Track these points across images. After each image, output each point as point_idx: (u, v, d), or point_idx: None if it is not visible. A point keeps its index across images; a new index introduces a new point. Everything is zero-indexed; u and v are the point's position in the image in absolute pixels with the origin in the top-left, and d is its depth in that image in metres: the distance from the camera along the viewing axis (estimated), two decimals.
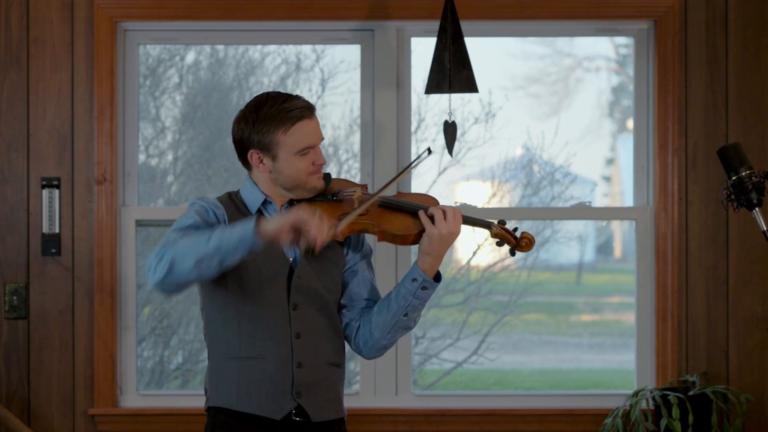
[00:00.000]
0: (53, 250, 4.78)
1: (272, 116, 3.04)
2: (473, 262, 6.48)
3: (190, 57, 5.82)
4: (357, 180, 5.13)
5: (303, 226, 2.84)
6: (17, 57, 4.80)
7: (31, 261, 4.79)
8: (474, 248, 6.25)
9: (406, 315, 3.10)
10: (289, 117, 3.04)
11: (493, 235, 3.16)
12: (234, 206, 3.13)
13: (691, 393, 4.56)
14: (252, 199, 3.13)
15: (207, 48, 5.77)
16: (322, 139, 3.12)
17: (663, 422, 4.47)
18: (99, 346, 4.78)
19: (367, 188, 3.18)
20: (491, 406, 4.87)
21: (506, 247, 3.19)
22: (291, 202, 3.13)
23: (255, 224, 2.85)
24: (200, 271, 2.89)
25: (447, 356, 6.58)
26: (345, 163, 5.80)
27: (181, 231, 2.99)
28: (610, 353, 10.83)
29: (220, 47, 5.77)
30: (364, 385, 4.90)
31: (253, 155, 3.09)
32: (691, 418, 4.48)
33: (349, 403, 4.86)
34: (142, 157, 5.68)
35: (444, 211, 3.08)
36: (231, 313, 3.07)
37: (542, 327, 11.19)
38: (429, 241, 3.06)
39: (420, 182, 5.86)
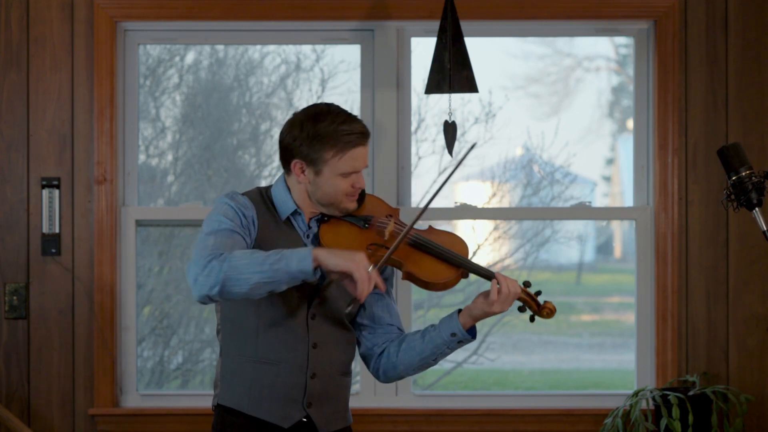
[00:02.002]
0: (53, 250, 4.78)
1: (328, 135, 3.01)
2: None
3: (190, 57, 5.82)
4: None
5: (356, 279, 2.85)
6: (17, 57, 4.80)
7: (31, 261, 4.79)
8: (474, 248, 6.25)
9: (434, 360, 3.14)
10: (345, 141, 3.02)
11: (517, 299, 3.12)
12: (265, 206, 3.10)
13: (691, 393, 4.56)
14: (283, 205, 3.10)
15: (207, 48, 5.76)
16: (367, 165, 3.10)
17: (663, 422, 4.47)
18: (99, 346, 4.78)
19: (398, 215, 3.15)
20: (491, 406, 4.87)
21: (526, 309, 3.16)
22: (322, 217, 3.11)
23: (313, 257, 2.84)
24: (249, 295, 2.89)
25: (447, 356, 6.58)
26: None
27: (216, 235, 2.95)
28: (610, 353, 10.83)
29: (220, 47, 5.77)
30: (364, 385, 4.90)
31: (296, 164, 3.06)
32: (691, 418, 4.48)
33: (350, 403, 4.86)
34: (142, 157, 5.68)
35: (507, 288, 3.05)
36: (251, 316, 3.06)
37: (542, 327, 11.19)
38: (484, 313, 3.06)
39: (420, 182, 5.86)
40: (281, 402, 3.06)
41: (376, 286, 2.92)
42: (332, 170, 3.03)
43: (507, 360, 9.88)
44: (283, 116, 5.60)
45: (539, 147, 6.09)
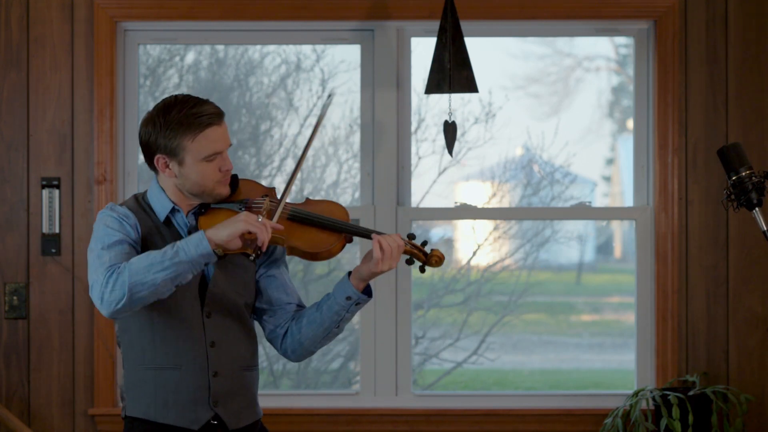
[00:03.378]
0: (53, 250, 4.78)
1: (180, 121, 3.02)
2: (473, 262, 6.47)
3: (190, 57, 5.82)
4: (353, 177, 5.13)
5: (253, 231, 2.87)
6: (17, 57, 4.80)
7: (31, 261, 4.79)
8: (474, 248, 6.25)
9: (338, 326, 3.13)
10: (197, 123, 3.02)
11: (404, 252, 3.10)
12: (143, 212, 3.10)
13: (691, 393, 4.56)
14: (160, 206, 3.11)
15: (207, 48, 5.76)
16: (230, 145, 3.09)
17: (663, 422, 4.47)
18: (99, 346, 4.78)
19: (275, 193, 3.15)
20: (491, 406, 4.87)
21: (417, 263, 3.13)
22: (200, 207, 3.10)
23: (207, 238, 2.86)
24: (158, 295, 2.90)
25: (447, 356, 6.58)
26: (345, 163, 5.79)
27: (109, 250, 2.96)
28: (610, 353, 10.82)
29: (220, 47, 5.77)
30: (364, 385, 4.90)
31: (159, 160, 3.07)
32: (691, 418, 4.48)
33: (349, 403, 4.87)
34: (142, 157, 5.67)
35: (388, 245, 3.03)
36: (145, 323, 3.06)
37: (542, 327, 11.18)
38: (371, 272, 3.05)
39: (420, 182, 5.86)
40: (187, 405, 3.06)
41: (266, 264, 3.06)
42: (193, 156, 3.03)
43: (507, 360, 9.87)
44: (283, 116, 5.60)
45: (539, 147, 6.09)
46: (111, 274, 2.89)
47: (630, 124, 5.99)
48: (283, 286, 3.19)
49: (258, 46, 5.80)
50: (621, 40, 6.82)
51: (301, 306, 3.22)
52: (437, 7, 4.68)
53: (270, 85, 5.84)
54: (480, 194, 6.67)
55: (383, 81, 4.88)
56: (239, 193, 3.14)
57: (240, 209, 3.08)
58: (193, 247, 2.88)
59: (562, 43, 7.22)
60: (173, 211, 3.11)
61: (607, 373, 10.25)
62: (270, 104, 5.69)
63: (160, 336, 3.05)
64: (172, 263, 2.87)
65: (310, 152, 3.13)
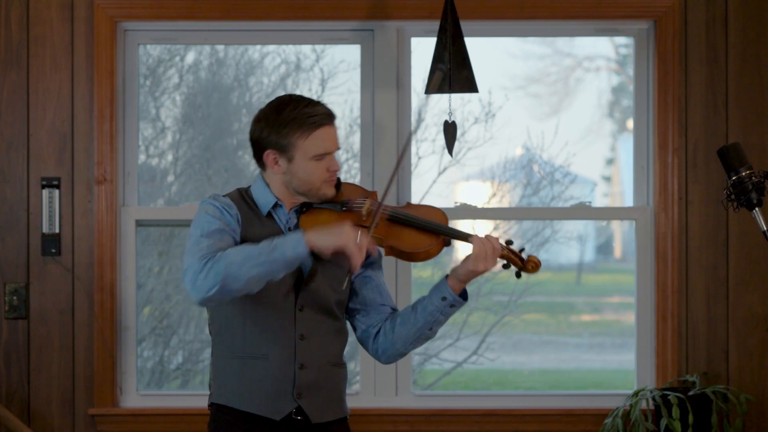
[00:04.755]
0: (53, 250, 4.77)
1: (293, 119, 3.06)
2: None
3: (190, 57, 5.82)
4: (353, 177, 5.13)
5: (348, 252, 2.90)
6: (17, 57, 4.80)
7: (31, 261, 4.79)
8: None
9: (430, 329, 3.14)
10: (309, 122, 3.06)
11: (501, 257, 3.14)
12: (246, 205, 3.13)
13: (691, 393, 4.56)
14: (263, 200, 3.14)
15: (207, 48, 5.76)
16: (338, 148, 3.13)
17: (663, 422, 4.47)
18: (99, 346, 4.78)
19: (377, 197, 3.18)
20: (491, 406, 4.87)
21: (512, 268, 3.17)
22: (302, 206, 3.14)
23: (305, 241, 2.90)
24: (248, 289, 2.94)
25: (447, 356, 6.58)
26: (345, 163, 5.79)
27: (208, 237, 3.00)
28: (610, 353, 10.82)
29: (220, 47, 5.77)
30: (364, 385, 4.90)
31: (269, 155, 3.10)
32: (691, 418, 4.48)
33: (349, 403, 4.84)
34: (142, 157, 5.68)
35: (483, 245, 3.07)
36: (237, 312, 3.09)
37: (542, 327, 11.19)
38: (469, 271, 3.07)
39: (420, 182, 5.86)
40: (271, 395, 3.07)
41: (363, 266, 3.04)
42: (303, 154, 3.06)
43: (507, 360, 9.88)
44: None
45: (539, 147, 6.09)
46: (207, 261, 2.91)
47: (630, 124, 5.99)
48: (378, 287, 3.21)
49: (258, 46, 5.81)
50: (621, 40, 6.83)
51: (394, 308, 3.23)
52: (437, 7, 4.67)
53: (270, 85, 5.85)
54: (480, 194, 6.67)
55: (383, 81, 4.88)
56: (341, 195, 3.17)
57: (341, 209, 3.12)
58: (291, 247, 2.91)
59: (562, 43, 7.23)
60: (276, 206, 3.14)
61: (607, 373, 10.25)
62: None
63: (251, 325, 3.08)
64: (267, 260, 2.90)
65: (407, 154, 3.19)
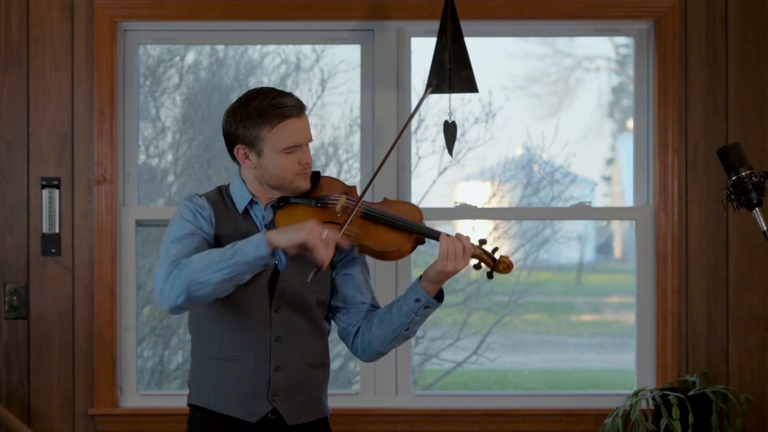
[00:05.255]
0: (53, 250, 4.78)
1: (260, 112, 3.03)
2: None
3: (190, 57, 5.82)
4: (353, 177, 5.13)
5: (311, 246, 2.87)
6: (17, 57, 4.80)
7: (31, 261, 4.79)
8: None
9: (407, 329, 3.11)
10: (276, 114, 3.03)
11: (473, 256, 3.06)
12: (223, 204, 3.11)
13: (691, 393, 4.56)
14: (239, 197, 3.12)
15: (207, 48, 5.76)
16: (311, 139, 3.09)
17: (663, 422, 4.47)
18: (99, 346, 4.78)
19: (355, 192, 3.14)
20: (491, 406, 4.87)
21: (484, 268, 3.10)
22: (279, 201, 3.11)
23: (266, 242, 2.87)
24: (216, 294, 2.93)
25: (447, 356, 6.58)
26: (345, 163, 5.79)
27: (178, 242, 2.99)
28: (610, 353, 10.82)
29: (220, 47, 5.77)
30: (364, 385, 4.90)
31: (239, 150, 3.08)
32: (691, 418, 4.48)
33: (349, 403, 4.86)
34: (142, 157, 5.68)
35: (453, 245, 2.99)
36: (213, 314, 3.08)
37: (542, 327, 11.18)
38: (438, 272, 3.02)
39: (420, 182, 5.86)
40: (246, 398, 3.07)
41: (343, 263, 3.05)
42: (272, 147, 3.03)
43: (507, 360, 9.87)
44: None
45: (539, 147, 6.09)
46: (172, 270, 2.91)
47: (630, 124, 5.99)
48: (359, 285, 3.18)
49: (258, 46, 5.81)
50: (621, 40, 6.82)
51: (375, 306, 3.20)
52: (437, 7, 4.68)
53: (270, 85, 5.85)
54: (480, 194, 6.67)
55: (383, 81, 4.88)
56: (320, 189, 3.13)
57: (317, 205, 3.08)
58: (252, 248, 2.88)
59: (562, 43, 7.22)
60: (251, 203, 3.12)
61: (607, 373, 10.25)
62: None
63: (227, 328, 3.07)
64: (229, 264, 2.88)
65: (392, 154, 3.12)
